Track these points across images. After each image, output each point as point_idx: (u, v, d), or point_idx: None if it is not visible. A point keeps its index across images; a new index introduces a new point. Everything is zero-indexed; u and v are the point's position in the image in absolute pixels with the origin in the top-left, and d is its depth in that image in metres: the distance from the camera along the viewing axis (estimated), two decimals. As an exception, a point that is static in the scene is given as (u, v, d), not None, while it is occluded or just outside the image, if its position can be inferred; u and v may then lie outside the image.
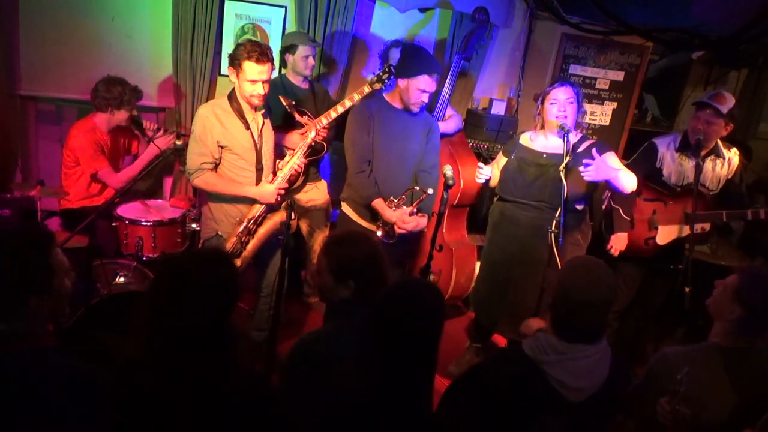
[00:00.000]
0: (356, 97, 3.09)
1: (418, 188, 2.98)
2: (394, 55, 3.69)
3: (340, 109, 3.00)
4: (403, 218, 2.94)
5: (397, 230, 2.97)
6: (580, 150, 2.88)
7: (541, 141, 2.98)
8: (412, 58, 2.99)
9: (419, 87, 2.90)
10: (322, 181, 3.76)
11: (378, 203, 2.96)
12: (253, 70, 2.63)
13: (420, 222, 3.03)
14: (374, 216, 3.04)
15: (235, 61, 2.66)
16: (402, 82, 2.95)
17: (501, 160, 3.13)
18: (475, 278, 3.37)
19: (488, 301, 3.17)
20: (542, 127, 2.98)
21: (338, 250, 1.90)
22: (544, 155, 2.94)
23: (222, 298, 1.54)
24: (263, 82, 2.68)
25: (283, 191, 2.86)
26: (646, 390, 1.94)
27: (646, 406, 1.88)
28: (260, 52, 2.63)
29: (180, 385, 1.47)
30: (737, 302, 1.88)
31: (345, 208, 3.16)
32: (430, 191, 2.95)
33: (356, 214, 3.10)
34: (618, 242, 3.24)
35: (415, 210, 2.98)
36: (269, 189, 2.82)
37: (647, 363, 2.03)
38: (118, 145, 3.43)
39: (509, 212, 3.03)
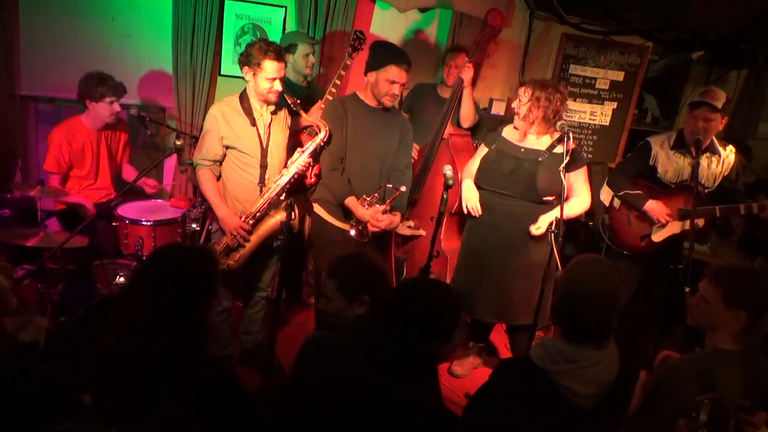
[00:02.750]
0: (342, 73, 3.25)
1: (390, 186, 2.97)
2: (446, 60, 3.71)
3: (333, 90, 3.22)
4: (376, 216, 2.92)
5: (371, 228, 2.95)
6: (556, 150, 2.89)
7: (518, 134, 2.99)
8: (378, 50, 2.97)
9: (388, 78, 2.88)
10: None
11: (350, 201, 2.94)
12: (272, 67, 2.69)
13: (393, 220, 3.01)
14: (347, 215, 3.02)
15: (252, 60, 2.68)
16: (371, 76, 2.94)
17: (482, 151, 3.13)
18: (454, 268, 3.37)
19: (467, 289, 3.15)
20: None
21: (344, 271, 1.90)
22: (522, 149, 2.96)
23: (194, 288, 1.68)
24: (280, 80, 2.74)
25: (247, 230, 2.80)
26: (654, 402, 1.90)
27: (654, 419, 1.85)
28: (276, 50, 2.71)
29: (152, 368, 1.60)
30: (736, 307, 1.85)
31: (317, 209, 3.11)
32: (403, 189, 2.95)
33: (329, 214, 3.07)
34: (656, 211, 3.18)
35: (388, 208, 2.96)
36: (233, 221, 2.77)
37: (653, 375, 1.98)
38: (111, 146, 3.41)
39: (486, 201, 3.05)
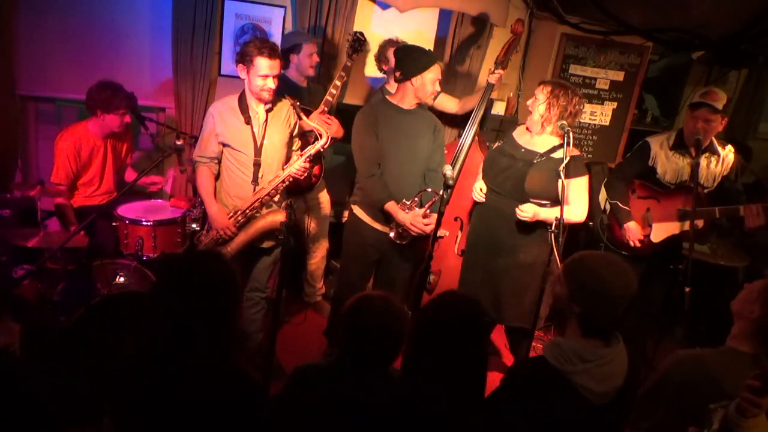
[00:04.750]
0: (343, 74, 3.29)
1: (430, 190, 3.00)
2: (392, 55, 3.67)
3: (333, 91, 3.26)
4: (416, 220, 2.94)
5: (413, 232, 2.97)
6: (555, 155, 2.89)
7: (527, 135, 3.01)
8: (413, 55, 2.99)
9: (433, 78, 2.96)
10: (322, 181, 3.76)
11: (390, 206, 2.95)
12: (264, 65, 2.69)
13: (434, 224, 3.05)
14: (387, 218, 3.04)
15: (245, 58, 2.71)
16: (416, 81, 2.96)
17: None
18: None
19: (467, 284, 3.18)
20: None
21: (352, 317, 1.78)
22: (523, 149, 2.98)
23: (219, 297, 1.60)
24: (273, 77, 2.74)
25: (234, 230, 2.86)
26: (659, 393, 1.90)
27: (658, 410, 1.85)
28: (270, 47, 2.72)
29: (177, 378, 1.54)
30: (759, 302, 1.85)
31: (357, 211, 3.14)
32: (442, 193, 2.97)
33: (369, 216, 3.10)
34: (631, 233, 3.26)
35: (428, 212, 2.98)
36: (223, 220, 2.85)
37: (660, 365, 1.98)
38: (116, 152, 3.41)
39: (485, 197, 3.09)
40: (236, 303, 1.67)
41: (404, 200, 2.97)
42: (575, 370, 1.71)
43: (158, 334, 1.58)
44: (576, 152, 2.94)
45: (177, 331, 1.55)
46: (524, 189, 2.90)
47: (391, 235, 3.03)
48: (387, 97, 3.10)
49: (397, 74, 3.01)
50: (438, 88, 3.03)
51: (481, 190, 3.10)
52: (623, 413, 1.85)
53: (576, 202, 2.91)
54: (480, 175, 3.17)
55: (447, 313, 1.67)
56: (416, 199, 2.98)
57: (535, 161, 2.90)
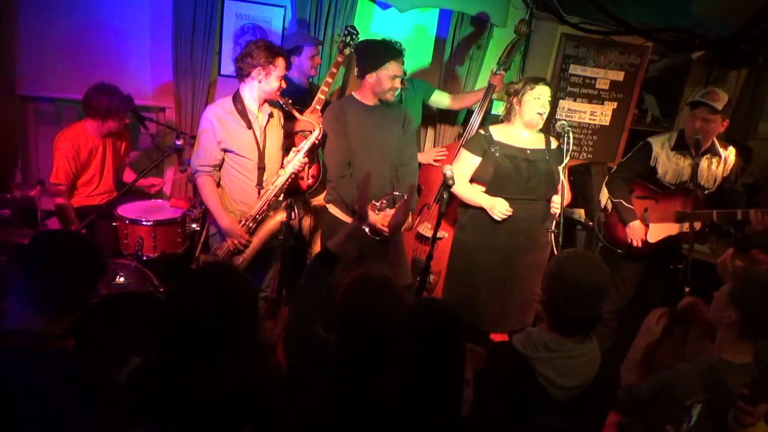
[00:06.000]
0: (334, 71, 3.27)
1: (398, 193, 3.00)
2: None
3: (325, 89, 3.22)
4: (386, 221, 2.93)
5: (384, 232, 2.96)
6: (552, 147, 3.04)
7: (517, 136, 3.01)
8: (371, 50, 2.97)
9: (390, 75, 2.91)
10: (321, 181, 3.76)
11: None
12: (283, 65, 2.75)
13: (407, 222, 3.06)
14: None
15: (265, 60, 2.71)
16: (371, 77, 2.94)
17: (472, 159, 3.07)
18: (447, 286, 3.31)
19: (492, 305, 3.14)
20: (509, 120, 3.03)
21: (346, 300, 1.78)
22: (528, 151, 2.98)
23: (231, 308, 1.55)
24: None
25: (248, 238, 2.86)
26: (651, 400, 1.89)
27: (647, 414, 1.86)
28: (281, 48, 2.78)
29: (189, 385, 1.50)
30: (731, 305, 1.84)
31: (333, 209, 3.12)
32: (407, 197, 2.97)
33: (344, 214, 3.09)
34: (634, 232, 3.25)
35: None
36: (235, 230, 2.83)
37: (658, 372, 1.96)
38: (115, 150, 3.41)
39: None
40: (255, 311, 1.64)
41: (374, 201, 2.95)
42: (537, 356, 1.74)
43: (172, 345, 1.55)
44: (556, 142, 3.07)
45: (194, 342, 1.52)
46: (555, 186, 2.97)
47: (366, 230, 3.04)
48: (353, 93, 3.08)
49: (356, 71, 3.00)
50: (398, 85, 2.97)
51: (506, 209, 2.98)
52: (589, 414, 1.83)
53: (567, 188, 3.03)
54: (482, 198, 3.02)
55: (427, 318, 1.65)
56: (384, 201, 2.96)
57: (547, 158, 2.99)
